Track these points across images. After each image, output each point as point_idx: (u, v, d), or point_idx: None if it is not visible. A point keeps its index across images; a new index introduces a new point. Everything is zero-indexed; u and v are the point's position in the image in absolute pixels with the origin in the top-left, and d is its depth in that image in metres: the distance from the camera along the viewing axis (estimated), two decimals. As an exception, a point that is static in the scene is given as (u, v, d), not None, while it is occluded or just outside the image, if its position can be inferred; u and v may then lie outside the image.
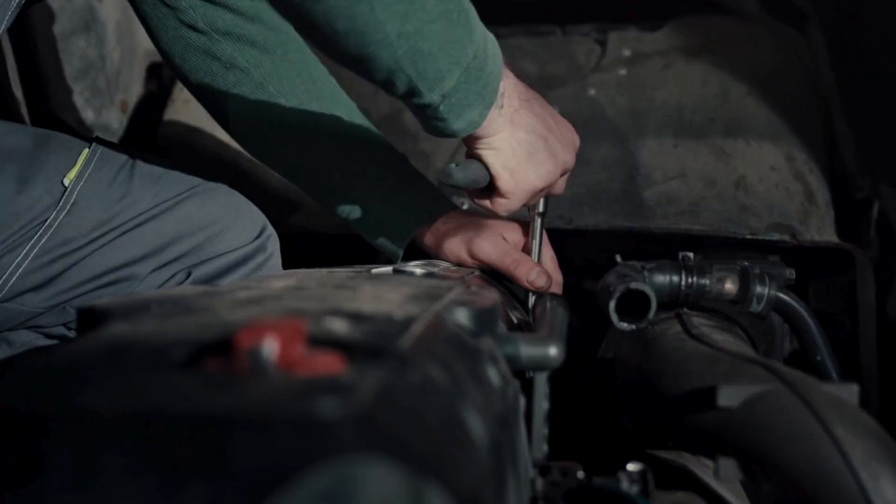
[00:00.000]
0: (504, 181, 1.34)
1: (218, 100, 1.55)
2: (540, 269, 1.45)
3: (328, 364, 0.62)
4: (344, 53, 1.10)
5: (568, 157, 1.38)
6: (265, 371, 0.60)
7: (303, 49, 1.59)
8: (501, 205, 1.37)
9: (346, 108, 1.58)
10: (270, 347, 0.60)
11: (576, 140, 1.41)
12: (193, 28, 1.51)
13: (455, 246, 1.49)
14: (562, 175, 1.39)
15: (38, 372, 0.63)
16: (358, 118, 1.59)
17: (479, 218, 1.53)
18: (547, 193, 1.43)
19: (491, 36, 1.24)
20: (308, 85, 1.56)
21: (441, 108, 1.19)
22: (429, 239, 1.52)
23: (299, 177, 1.57)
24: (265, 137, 1.56)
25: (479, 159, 1.34)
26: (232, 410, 0.55)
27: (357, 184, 1.53)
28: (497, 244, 1.47)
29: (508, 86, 1.29)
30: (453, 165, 1.31)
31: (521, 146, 1.32)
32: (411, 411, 0.63)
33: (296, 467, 0.52)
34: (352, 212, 1.54)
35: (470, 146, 1.33)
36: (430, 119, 1.22)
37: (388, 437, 0.57)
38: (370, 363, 0.64)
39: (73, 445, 0.55)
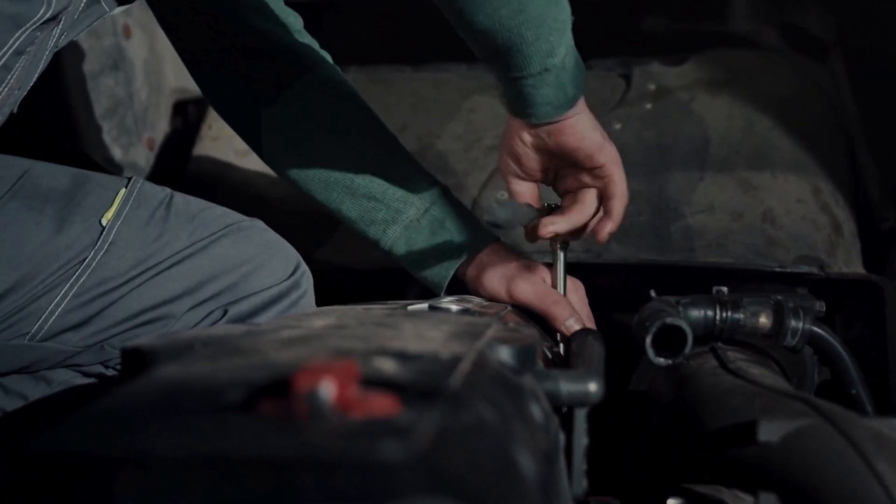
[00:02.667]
0: (607, 151, 1.43)
1: (257, 133, 1.57)
2: (577, 317, 1.46)
3: (384, 405, 0.63)
4: (501, 10, 1.20)
5: None
6: (323, 414, 0.61)
7: (343, 82, 1.61)
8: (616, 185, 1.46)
9: (388, 141, 1.60)
10: (328, 390, 0.61)
11: None
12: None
13: (495, 281, 1.50)
14: None
15: (98, 416, 0.64)
16: (400, 150, 1.60)
17: (522, 257, 1.55)
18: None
19: None
20: (349, 118, 1.58)
21: (565, 64, 1.28)
22: (471, 271, 1.54)
23: (343, 210, 1.58)
24: (308, 173, 1.58)
25: (555, 136, 1.40)
26: (296, 454, 0.56)
27: (400, 218, 1.54)
28: (537, 285, 1.49)
29: None
30: (495, 204, 1.36)
31: (591, 117, 1.42)
32: (466, 451, 0.64)
33: (361, 510, 0.53)
34: (395, 245, 1.55)
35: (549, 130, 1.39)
36: (549, 88, 1.30)
37: (447, 479, 0.58)
38: (424, 404, 0.64)
39: (140, 491, 0.56)
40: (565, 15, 1.26)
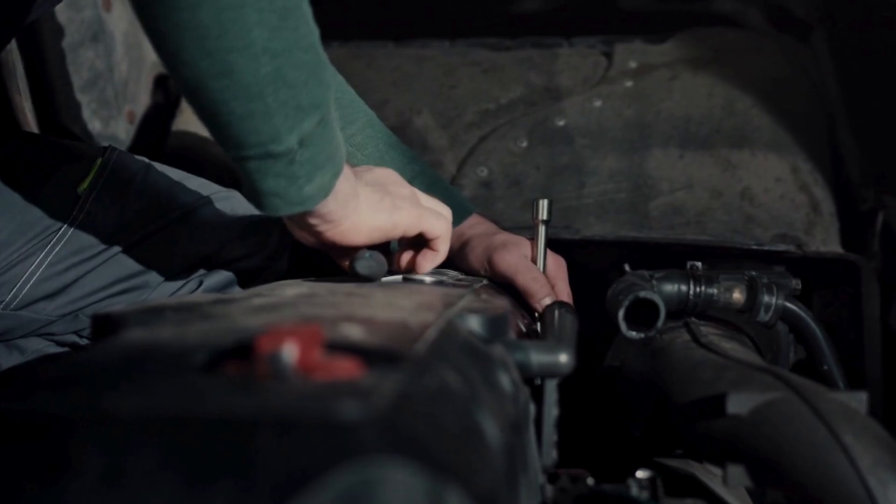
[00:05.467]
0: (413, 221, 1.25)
1: None
2: (553, 296, 1.46)
3: (346, 368, 0.63)
4: (201, 63, 0.95)
5: (412, 208, 1.27)
6: (285, 375, 0.61)
7: None
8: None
9: (366, 117, 1.59)
10: (290, 352, 0.61)
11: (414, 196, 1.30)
12: None
13: (477, 253, 1.50)
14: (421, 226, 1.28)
15: (62, 376, 0.64)
16: (378, 126, 1.60)
17: (504, 231, 1.55)
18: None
19: None
20: None
21: (296, 158, 1.04)
22: (453, 243, 1.53)
23: None
24: None
25: (332, 243, 1.21)
26: (255, 413, 0.56)
27: None
28: (518, 258, 1.48)
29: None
30: (366, 255, 1.19)
31: (367, 202, 1.21)
32: (429, 415, 0.64)
33: (319, 469, 0.53)
34: None
35: (313, 229, 1.18)
36: (277, 179, 1.05)
37: (407, 440, 0.58)
38: (388, 368, 0.65)
39: (99, 449, 0.56)
40: (307, 101, 1.02)
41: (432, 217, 1.29)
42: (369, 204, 1.20)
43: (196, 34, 0.93)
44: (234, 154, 1.05)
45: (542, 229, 1.51)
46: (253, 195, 1.09)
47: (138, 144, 2.35)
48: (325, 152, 1.07)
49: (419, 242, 1.30)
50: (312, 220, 1.15)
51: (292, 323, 0.76)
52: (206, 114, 1.02)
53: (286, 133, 1.01)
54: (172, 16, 0.93)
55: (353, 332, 0.75)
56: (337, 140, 1.10)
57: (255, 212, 1.50)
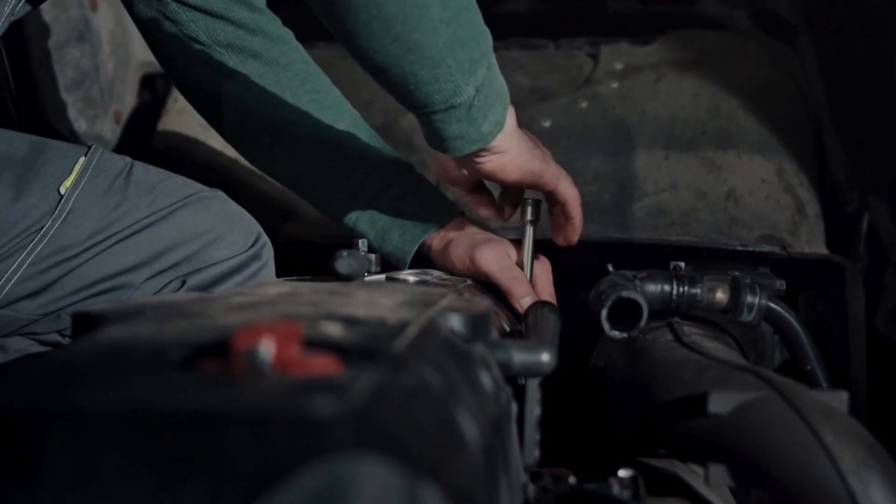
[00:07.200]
0: (549, 174, 1.43)
1: (221, 112, 1.56)
2: (533, 296, 1.47)
3: (323, 365, 0.63)
4: (390, 48, 1.13)
5: (556, 166, 1.46)
6: (261, 372, 0.61)
7: (305, 60, 1.60)
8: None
9: (350, 118, 1.59)
10: (267, 349, 0.61)
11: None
12: (195, 41, 1.52)
13: (460, 251, 1.50)
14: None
15: (36, 372, 0.64)
16: (362, 127, 1.60)
17: (487, 232, 1.56)
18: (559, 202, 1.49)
19: None
20: (312, 95, 1.57)
21: (475, 103, 1.22)
22: (436, 244, 1.54)
23: (304, 188, 1.58)
24: (269, 149, 1.57)
25: (488, 175, 1.39)
26: (229, 409, 0.56)
27: (363, 194, 1.54)
28: (500, 256, 1.49)
29: None
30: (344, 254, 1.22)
31: (525, 145, 1.38)
32: (405, 412, 0.64)
33: (292, 465, 0.52)
34: (358, 221, 1.55)
35: (476, 161, 1.36)
36: (459, 124, 1.24)
37: (383, 437, 0.58)
38: (365, 365, 0.64)
39: (71, 445, 0.55)
40: (478, 53, 1.20)
41: (567, 181, 1.47)
42: (527, 147, 1.38)
43: (384, 25, 1.10)
44: (419, 111, 1.24)
45: (529, 230, 1.52)
46: (436, 141, 1.29)
47: (124, 144, 2.34)
48: (495, 91, 1.26)
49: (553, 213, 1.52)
50: (480, 152, 1.32)
51: (271, 320, 0.76)
52: (395, 85, 1.20)
53: (464, 85, 1.19)
54: (361, 15, 1.09)
55: (332, 330, 0.74)
56: (500, 78, 1.28)
57: (238, 211, 1.51)
